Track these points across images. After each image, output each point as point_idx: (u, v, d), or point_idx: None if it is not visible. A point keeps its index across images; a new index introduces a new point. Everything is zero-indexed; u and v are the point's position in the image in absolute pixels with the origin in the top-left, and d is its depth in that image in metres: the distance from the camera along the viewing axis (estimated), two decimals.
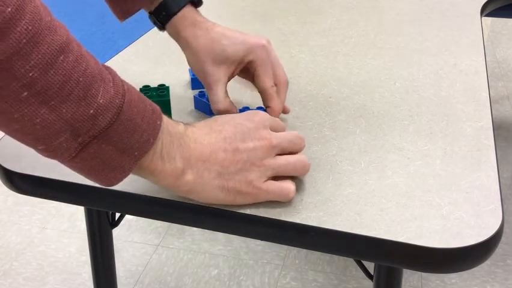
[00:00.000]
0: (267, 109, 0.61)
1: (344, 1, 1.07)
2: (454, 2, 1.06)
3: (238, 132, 0.52)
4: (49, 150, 0.43)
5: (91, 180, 0.47)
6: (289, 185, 0.52)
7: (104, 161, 0.44)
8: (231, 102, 0.62)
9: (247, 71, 0.64)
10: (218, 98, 0.61)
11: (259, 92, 0.63)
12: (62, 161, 0.45)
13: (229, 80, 0.63)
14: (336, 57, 0.83)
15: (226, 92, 0.62)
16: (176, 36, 0.63)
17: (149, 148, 0.46)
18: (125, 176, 0.46)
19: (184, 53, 0.64)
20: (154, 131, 0.46)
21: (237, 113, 0.61)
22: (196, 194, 0.50)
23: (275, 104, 0.62)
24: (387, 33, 0.91)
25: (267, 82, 0.62)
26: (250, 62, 0.62)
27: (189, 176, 0.49)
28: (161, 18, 0.62)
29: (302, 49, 0.86)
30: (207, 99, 0.66)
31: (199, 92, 0.68)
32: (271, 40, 0.64)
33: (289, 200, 0.52)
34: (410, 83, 0.75)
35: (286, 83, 0.64)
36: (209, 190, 0.50)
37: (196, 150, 0.50)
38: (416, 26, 0.95)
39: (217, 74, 0.61)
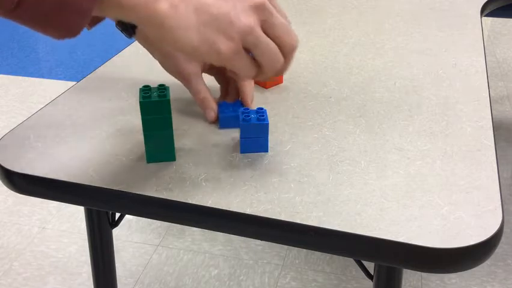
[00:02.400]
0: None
1: (344, 1, 1.07)
2: (454, 2, 1.06)
3: None
4: None
5: (54, 33, 0.42)
6: (256, 66, 0.48)
7: (55, 4, 0.40)
8: (210, 92, 0.63)
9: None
10: (198, 88, 0.62)
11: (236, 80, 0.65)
12: (9, 12, 0.40)
13: (203, 72, 0.64)
14: (336, 57, 0.83)
15: (204, 82, 0.63)
16: (145, 40, 0.63)
17: None
18: (87, 18, 0.41)
19: (155, 56, 0.64)
20: None
21: (215, 104, 0.63)
22: (169, 31, 0.44)
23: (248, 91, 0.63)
24: (387, 33, 0.91)
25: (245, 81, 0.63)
26: None
27: (163, 5, 0.43)
28: (129, 25, 0.57)
29: (302, 49, 0.86)
30: None
31: None
32: None
33: (249, 76, 0.49)
34: (410, 83, 0.75)
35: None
36: (185, 28, 0.44)
37: None
38: (416, 26, 0.95)
39: (190, 68, 0.62)
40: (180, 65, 0.62)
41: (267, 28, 0.48)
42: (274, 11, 0.48)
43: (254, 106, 0.64)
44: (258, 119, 0.58)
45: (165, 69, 0.64)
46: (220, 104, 0.64)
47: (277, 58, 0.49)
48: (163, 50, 0.62)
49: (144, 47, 0.65)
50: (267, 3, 0.47)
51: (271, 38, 0.48)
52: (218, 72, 0.68)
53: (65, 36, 0.42)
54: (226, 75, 0.67)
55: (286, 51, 0.49)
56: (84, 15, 0.41)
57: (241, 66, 0.48)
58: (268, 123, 0.58)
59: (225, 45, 0.46)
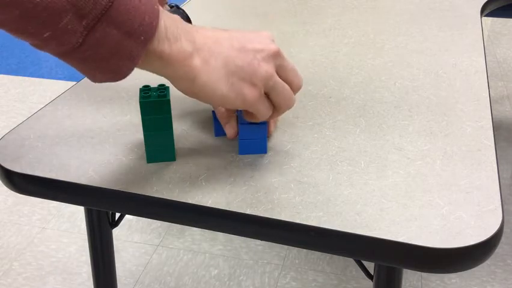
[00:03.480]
0: None
1: (344, 1, 1.07)
2: (454, 2, 1.06)
3: (246, 35, 0.52)
4: (56, 36, 0.42)
5: (100, 76, 0.46)
6: (272, 108, 0.55)
7: (111, 48, 0.44)
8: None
9: None
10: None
11: None
12: (70, 50, 0.43)
13: None
14: (336, 57, 0.83)
15: None
16: None
17: (153, 32, 0.45)
18: (134, 65, 0.46)
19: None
20: (154, 13, 0.45)
21: (235, 121, 0.61)
22: (202, 85, 0.49)
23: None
24: (387, 33, 0.91)
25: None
26: None
27: (196, 61, 0.49)
28: None
29: (302, 49, 0.86)
30: None
31: None
32: None
33: (266, 118, 0.55)
34: (410, 83, 0.75)
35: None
36: (214, 80, 0.50)
37: (200, 37, 0.49)
38: (416, 26, 0.95)
39: None
40: None
41: (281, 71, 0.54)
42: (285, 56, 0.54)
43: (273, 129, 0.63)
44: None
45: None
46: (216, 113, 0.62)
47: (291, 97, 0.55)
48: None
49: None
50: (280, 50, 0.53)
51: (283, 80, 0.54)
52: None
53: (109, 79, 0.46)
54: None
55: (294, 91, 0.56)
56: (133, 62, 0.45)
57: (262, 109, 0.54)
58: (266, 124, 0.58)
59: (250, 92, 0.51)
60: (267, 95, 0.54)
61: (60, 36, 0.42)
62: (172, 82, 0.51)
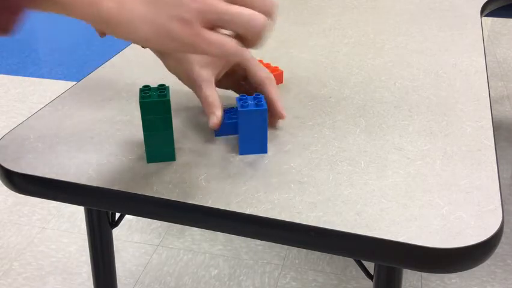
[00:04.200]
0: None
1: (344, 1, 1.07)
2: (454, 2, 1.06)
3: None
4: None
5: None
6: (231, 41, 0.43)
7: None
8: (220, 99, 0.60)
9: (233, 72, 0.64)
10: (207, 93, 0.60)
11: (256, 86, 0.63)
12: None
13: (218, 86, 0.63)
14: (336, 57, 0.83)
15: (215, 89, 0.61)
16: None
17: None
18: (17, 15, 0.40)
19: (166, 61, 0.63)
20: None
21: (221, 111, 0.60)
22: (118, 26, 0.42)
23: (275, 94, 0.62)
24: (387, 33, 0.91)
25: (263, 72, 0.62)
26: (237, 63, 0.62)
27: (109, 3, 0.42)
28: None
29: (302, 49, 0.86)
30: None
31: None
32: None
33: (231, 55, 0.44)
34: (410, 83, 0.75)
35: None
36: (133, 21, 0.42)
37: None
38: (416, 26, 0.95)
39: (204, 75, 0.61)
40: (194, 71, 0.61)
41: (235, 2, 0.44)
42: None
43: (284, 113, 0.62)
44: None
45: (176, 74, 0.63)
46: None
47: (253, 19, 0.43)
48: (177, 55, 0.61)
49: (154, 53, 0.65)
50: None
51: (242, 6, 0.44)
52: (233, 84, 0.68)
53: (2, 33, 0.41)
54: (244, 87, 0.67)
55: (267, 10, 0.45)
56: (14, 12, 0.40)
57: (213, 46, 0.43)
58: (267, 124, 0.58)
59: (178, 29, 0.42)
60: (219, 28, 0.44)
61: None
62: (87, 23, 0.44)
